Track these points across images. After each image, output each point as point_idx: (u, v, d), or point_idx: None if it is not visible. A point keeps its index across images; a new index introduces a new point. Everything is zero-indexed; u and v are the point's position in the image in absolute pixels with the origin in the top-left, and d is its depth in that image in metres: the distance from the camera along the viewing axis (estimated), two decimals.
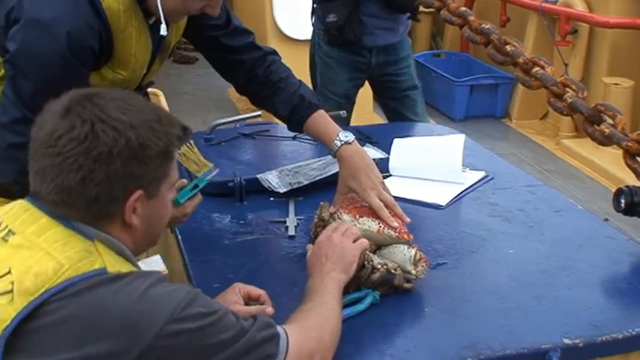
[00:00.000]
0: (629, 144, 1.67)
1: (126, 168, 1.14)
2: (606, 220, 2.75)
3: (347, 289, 1.48)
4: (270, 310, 1.43)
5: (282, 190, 2.05)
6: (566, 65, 4.96)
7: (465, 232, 1.89)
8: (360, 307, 1.50)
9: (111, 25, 1.51)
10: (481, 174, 2.24)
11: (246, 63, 1.85)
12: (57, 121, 1.13)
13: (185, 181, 1.63)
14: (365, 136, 2.53)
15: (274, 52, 1.93)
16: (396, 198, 1.79)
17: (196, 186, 1.60)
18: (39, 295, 1.06)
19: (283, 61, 1.99)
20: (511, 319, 1.49)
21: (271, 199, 2.06)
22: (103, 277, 1.10)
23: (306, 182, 2.08)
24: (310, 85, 3.21)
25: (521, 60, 1.95)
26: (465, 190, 2.14)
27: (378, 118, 5.19)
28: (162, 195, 1.23)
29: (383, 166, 2.24)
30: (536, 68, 1.91)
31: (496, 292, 1.60)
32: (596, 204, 3.79)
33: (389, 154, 2.28)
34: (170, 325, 1.09)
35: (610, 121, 1.74)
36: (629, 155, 1.66)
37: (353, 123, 2.75)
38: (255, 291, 1.47)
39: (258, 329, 1.19)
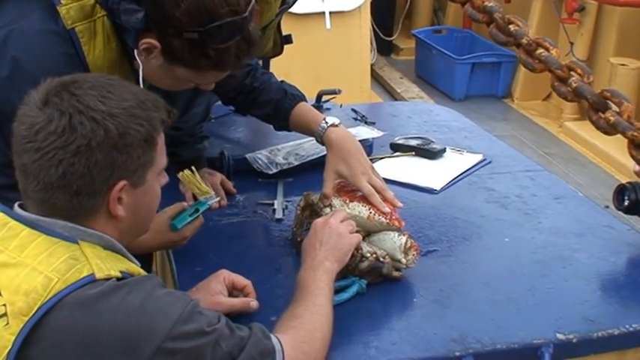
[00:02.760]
0: (635, 133, 1.58)
1: (107, 159, 1.11)
2: (607, 207, 2.68)
3: None
4: (254, 304, 1.40)
5: (271, 171, 2.00)
6: (571, 44, 4.84)
7: (459, 218, 1.83)
8: (345, 295, 1.45)
9: None
10: (479, 157, 2.17)
11: (237, 77, 1.85)
12: (36, 113, 1.11)
13: (185, 204, 1.60)
14: (361, 115, 2.46)
15: (257, 61, 1.96)
16: (388, 181, 1.73)
17: (196, 210, 1.58)
18: (33, 315, 1.04)
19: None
20: (502, 312, 1.44)
21: (259, 179, 2.00)
22: (99, 290, 1.06)
23: (296, 163, 2.03)
24: None
25: (524, 41, 1.84)
26: (461, 173, 2.07)
27: (376, 97, 5.11)
28: (148, 183, 1.19)
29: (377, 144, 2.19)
30: (540, 50, 1.81)
31: (488, 283, 1.55)
32: (597, 190, 3.73)
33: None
34: (167, 343, 1.07)
35: (616, 108, 1.64)
36: (634, 145, 1.57)
37: (348, 101, 2.66)
38: (241, 281, 1.43)
39: (255, 342, 1.16)
